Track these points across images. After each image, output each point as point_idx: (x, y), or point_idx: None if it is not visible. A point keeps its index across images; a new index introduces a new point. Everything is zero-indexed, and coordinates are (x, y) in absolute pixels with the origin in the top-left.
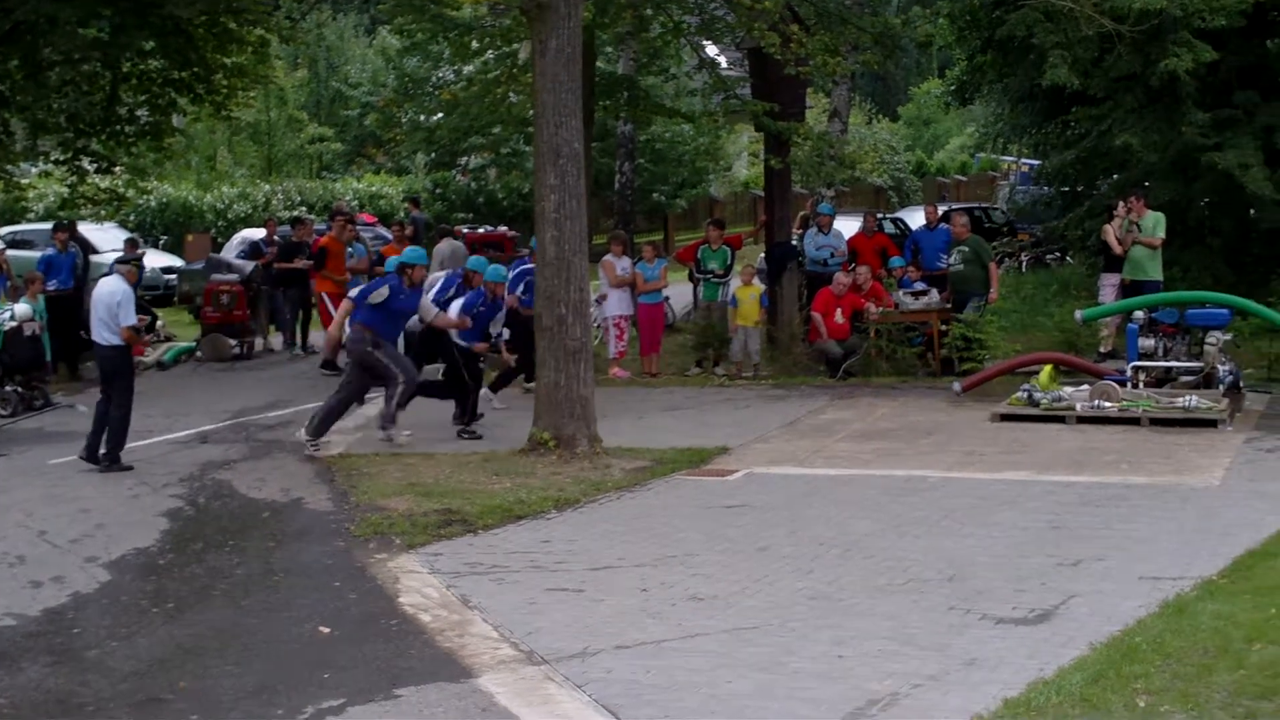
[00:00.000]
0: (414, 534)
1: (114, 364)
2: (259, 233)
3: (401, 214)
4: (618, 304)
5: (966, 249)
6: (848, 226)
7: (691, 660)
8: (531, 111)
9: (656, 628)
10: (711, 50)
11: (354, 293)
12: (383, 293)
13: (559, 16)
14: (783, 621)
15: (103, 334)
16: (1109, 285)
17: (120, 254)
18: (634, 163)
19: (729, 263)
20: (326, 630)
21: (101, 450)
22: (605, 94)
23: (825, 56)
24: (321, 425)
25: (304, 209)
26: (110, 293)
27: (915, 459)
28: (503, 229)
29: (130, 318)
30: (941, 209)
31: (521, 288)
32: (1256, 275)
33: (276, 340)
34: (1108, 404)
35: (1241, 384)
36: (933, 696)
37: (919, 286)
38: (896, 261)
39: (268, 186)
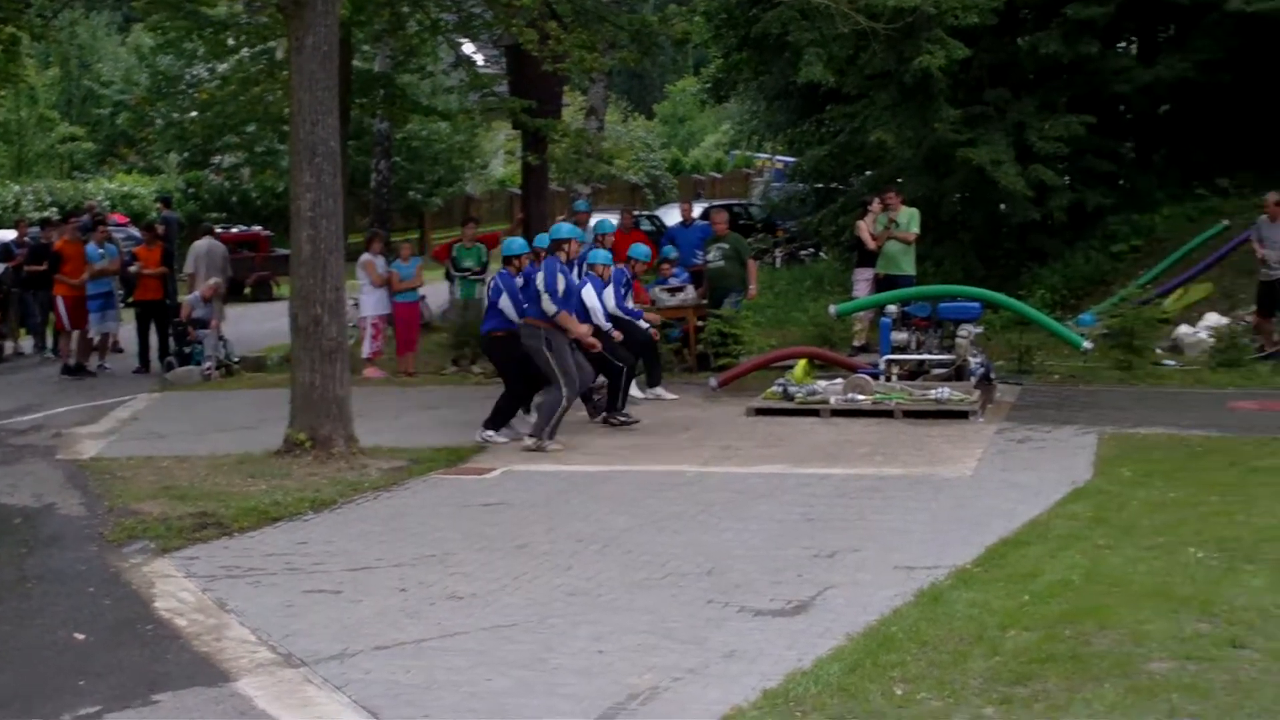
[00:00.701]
0: (169, 538)
1: None
2: (9, 234)
3: (154, 214)
4: (374, 304)
5: (726, 245)
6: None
7: (451, 659)
8: (288, 109)
9: (415, 627)
10: (469, 48)
11: (542, 284)
12: (561, 279)
13: (316, 13)
14: (542, 618)
15: None
16: (863, 280)
17: None
18: (390, 161)
19: (484, 260)
20: (81, 637)
21: None
22: (362, 92)
23: (582, 53)
24: (547, 424)
25: (55, 210)
26: None
27: (672, 454)
28: (257, 228)
29: None
30: (703, 206)
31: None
32: (1007, 269)
33: (27, 344)
34: (861, 397)
35: (992, 376)
36: (692, 689)
37: (675, 282)
38: (669, 251)
39: (17, 187)
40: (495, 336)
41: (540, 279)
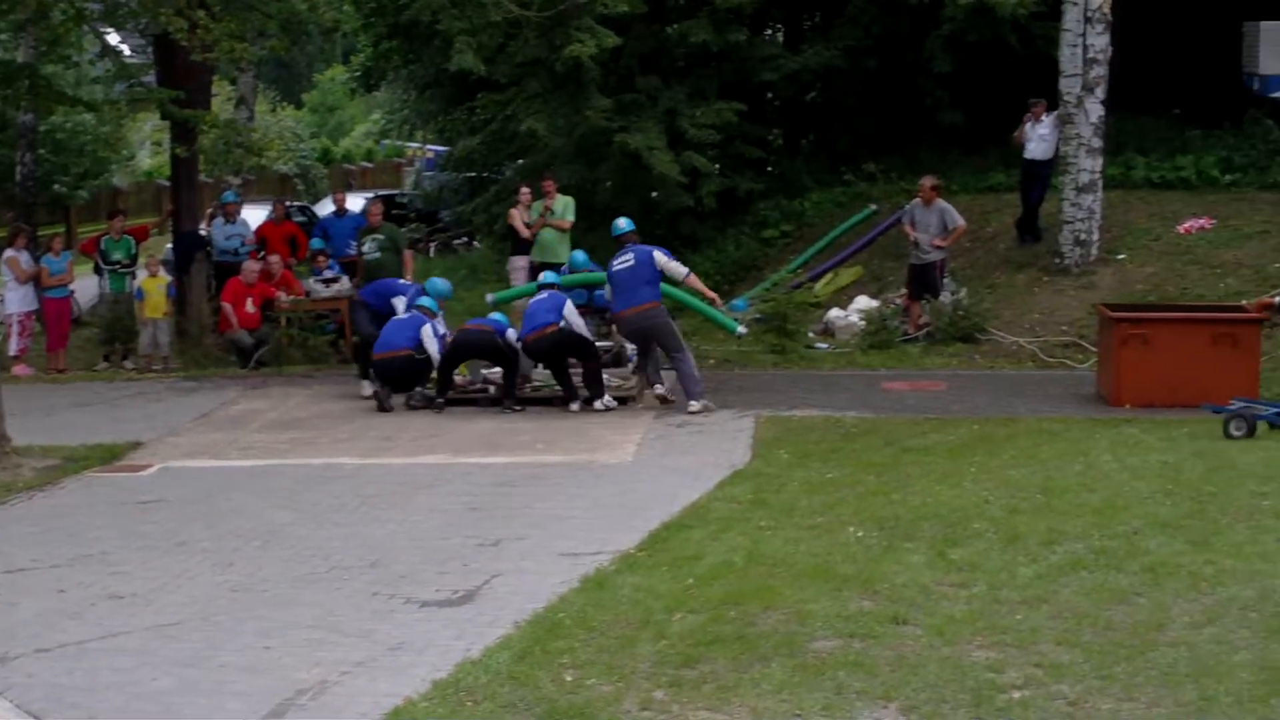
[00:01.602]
0: None
1: None
2: None
3: None
4: (19, 300)
5: (381, 236)
6: (256, 215)
7: (114, 660)
8: None
9: (77, 629)
10: (115, 38)
11: (666, 260)
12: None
13: None
14: (206, 616)
15: None
16: (518, 268)
17: None
18: (35, 153)
19: (133, 253)
20: None
21: None
22: (4, 83)
23: (232, 43)
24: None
25: None
26: None
27: (331, 447)
28: None
29: None
30: (367, 196)
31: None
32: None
33: None
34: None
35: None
36: (361, 683)
37: (330, 274)
38: (318, 244)
39: None
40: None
41: (660, 258)
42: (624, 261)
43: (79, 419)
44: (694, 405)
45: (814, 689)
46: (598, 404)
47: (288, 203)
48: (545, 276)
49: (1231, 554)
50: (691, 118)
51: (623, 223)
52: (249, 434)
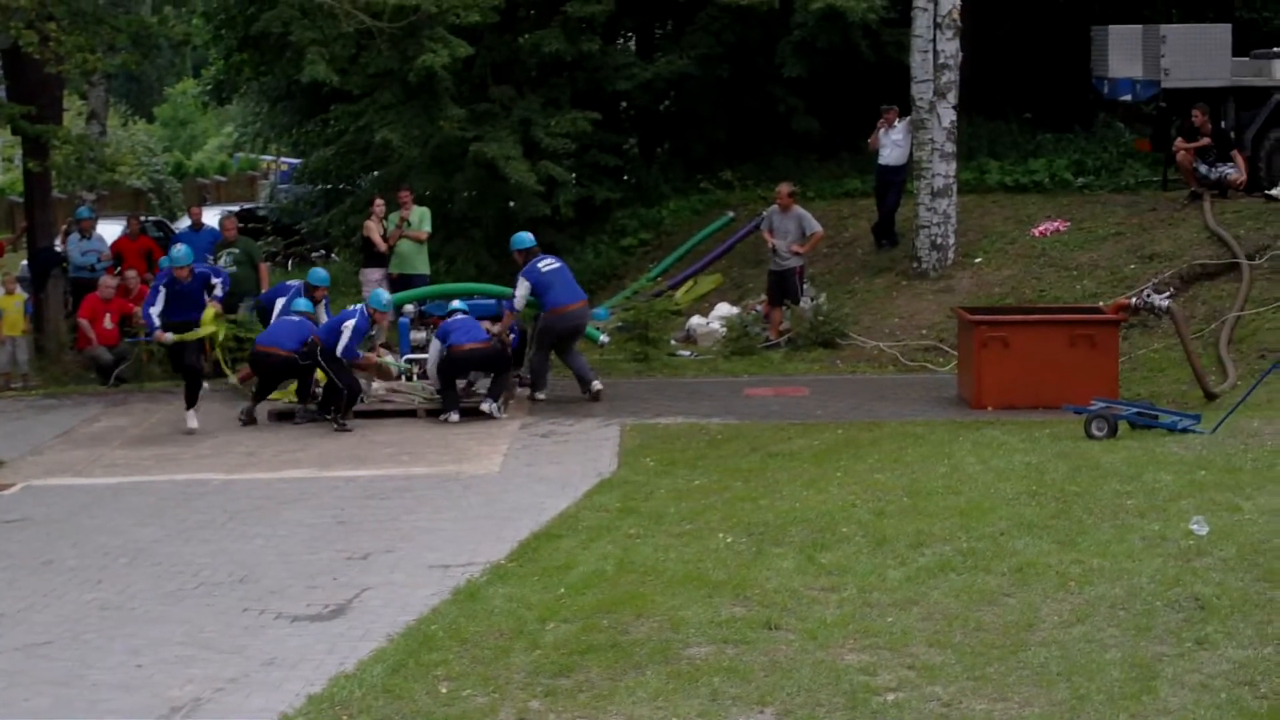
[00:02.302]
0: None
1: None
2: None
3: None
4: None
5: (237, 250)
6: (111, 230)
7: None
8: None
9: None
10: None
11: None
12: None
13: None
14: (76, 635)
15: None
16: (372, 280)
17: None
18: None
19: None
20: None
21: None
22: None
23: (85, 55)
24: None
25: None
26: None
27: (195, 462)
28: None
29: None
30: (229, 210)
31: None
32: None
33: None
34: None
35: (515, 372)
36: (235, 699)
37: None
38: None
39: None
40: None
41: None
42: (549, 264)
43: None
44: (598, 384)
45: (689, 695)
46: (485, 406)
47: (143, 218)
48: (456, 306)
49: (1098, 553)
50: (546, 127)
51: (527, 235)
52: (112, 451)
